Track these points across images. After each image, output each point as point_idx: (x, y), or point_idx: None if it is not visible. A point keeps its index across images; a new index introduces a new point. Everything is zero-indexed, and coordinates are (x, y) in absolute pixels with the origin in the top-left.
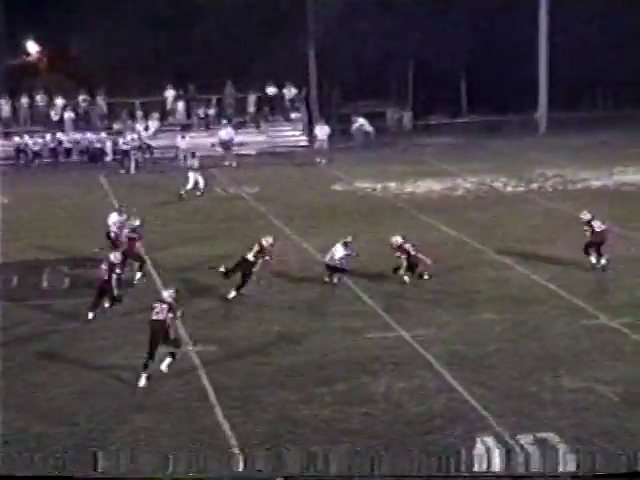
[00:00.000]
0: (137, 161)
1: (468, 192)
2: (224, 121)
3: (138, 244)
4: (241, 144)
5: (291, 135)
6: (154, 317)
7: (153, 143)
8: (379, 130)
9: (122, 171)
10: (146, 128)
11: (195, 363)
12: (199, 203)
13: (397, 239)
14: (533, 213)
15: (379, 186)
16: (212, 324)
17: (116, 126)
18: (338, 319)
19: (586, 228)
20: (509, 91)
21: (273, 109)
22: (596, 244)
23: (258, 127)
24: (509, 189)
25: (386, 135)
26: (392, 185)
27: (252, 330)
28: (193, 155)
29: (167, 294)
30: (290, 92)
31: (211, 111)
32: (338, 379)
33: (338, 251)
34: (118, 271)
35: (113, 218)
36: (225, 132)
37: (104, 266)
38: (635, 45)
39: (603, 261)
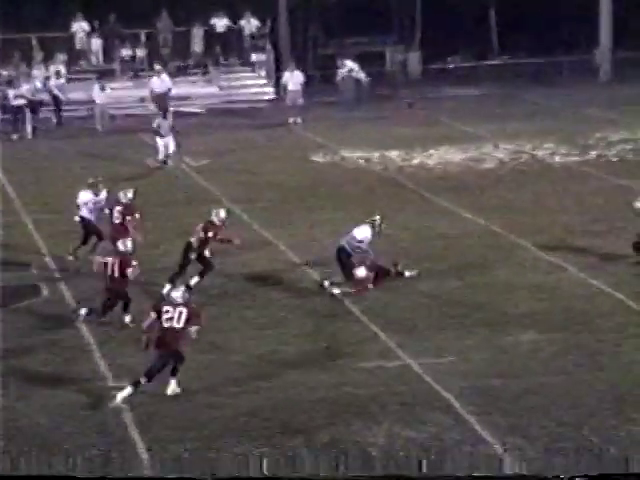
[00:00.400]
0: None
1: (501, 164)
2: (157, 66)
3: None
4: (182, 98)
5: (252, 85)
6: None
7: (60, 96)
8: (376, 77)
9: (14, 136)
10: (57, 74)
11: (120, 405)
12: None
13: None
14: (592, 193)
15: (376, 156)
16: (140, 352)
17: (5, 73)
18: (319, 341)
19: None
20: (557, 23)
21: (226, 48)
22: None
23: (206, 74)
24: (558, 159)
25: (385, 85)
26: (394, 154)
27: (200, 359)
28: (164, 115)
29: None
30: (250, 25)
31: (139, 52)
32: (318, 426)
33: (366, 234)
34: (135, 263)
35: (84, 198)
36: (159, 81)
37: (110, 260)
38: None
39: None
